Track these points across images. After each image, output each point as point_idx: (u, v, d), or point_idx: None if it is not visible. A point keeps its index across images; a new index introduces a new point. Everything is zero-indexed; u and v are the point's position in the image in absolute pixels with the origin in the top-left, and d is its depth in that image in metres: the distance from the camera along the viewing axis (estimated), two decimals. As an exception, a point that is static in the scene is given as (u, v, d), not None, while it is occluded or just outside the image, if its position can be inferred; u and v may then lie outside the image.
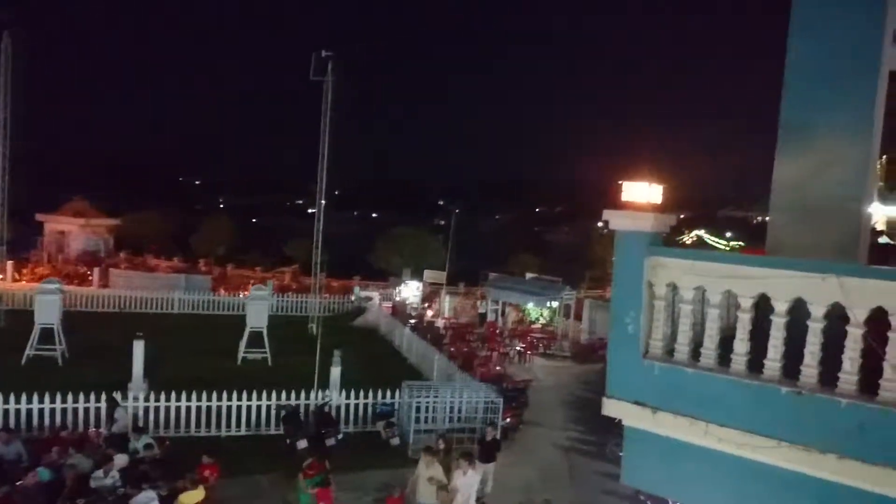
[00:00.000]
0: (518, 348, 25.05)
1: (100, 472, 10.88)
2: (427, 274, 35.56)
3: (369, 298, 31.88)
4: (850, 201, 5.65)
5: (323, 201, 27.99)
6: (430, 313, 30.58)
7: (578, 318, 28.09)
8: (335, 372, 16.23)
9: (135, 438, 12.56)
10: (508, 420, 15.96)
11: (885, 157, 18.61)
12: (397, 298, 32.75)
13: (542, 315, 29.39)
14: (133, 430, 13.30)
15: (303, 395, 15.52)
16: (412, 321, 27.43)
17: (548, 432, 16.86)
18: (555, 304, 28.17)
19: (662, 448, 5.17)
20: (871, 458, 4.15)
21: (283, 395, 15.42)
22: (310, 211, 46.72)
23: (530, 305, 29.12)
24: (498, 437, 13.91)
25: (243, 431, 15.19)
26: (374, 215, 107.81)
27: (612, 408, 5.39)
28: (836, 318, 4.42)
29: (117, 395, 14.52)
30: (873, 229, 7.67)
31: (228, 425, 15.16)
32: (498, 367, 21.70)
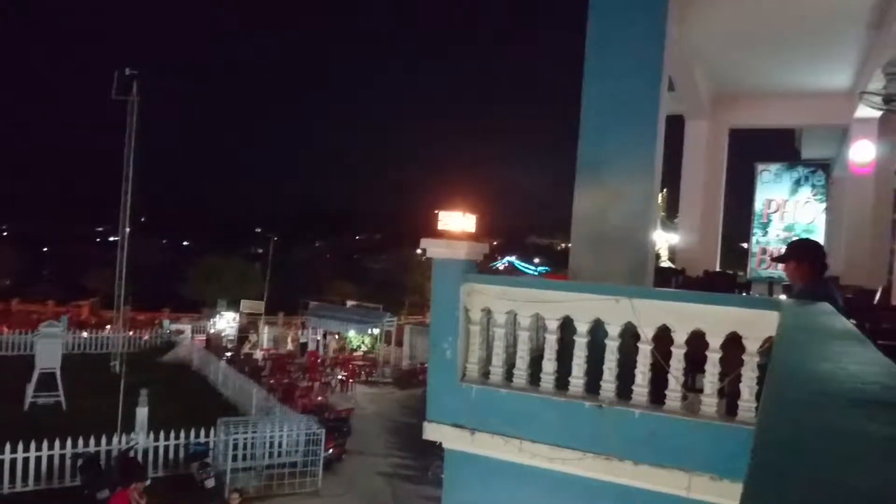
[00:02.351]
0: (340, 377, 24.79)
1: None
2: (244, 304, 34.22)
3: (180, 332, 30.01)
4: (638, 230, 6.30)
5: (127, 228, 26.03)
6: (247, 345, 29.39)
7: (399, 344, 28.41)
8: (141, 412, 15.04)
9: None
10: (331, 451, 15.69)
11: (665, 190, 20.90)
12: (211, 331, 31.14)
13: (363, 342, 29.38)
14: None
15: (104, 440, 14.17)
16: (228, 354, 26.19)
17: (371, 460, 16.79)
18: (376, 330, 28.31)
19: (481, 467, 5.37)
20: (662, 461, 4.61)
21: (81, 441, 13.98)
22: (112, 239, 43.21)
23: (351, 333, 29.01)
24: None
25: (32, 486, 13.54)
26: (185, 243, 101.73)
27: (432, 432, 5.50)
28: (630, 336, 4.88)
29: None
30: (657, 255, 8.55)
31: (13, 481, 13.43)
32: (320, 397, 21.32)
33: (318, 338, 28.93)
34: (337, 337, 29.20)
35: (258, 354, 27.15)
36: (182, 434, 14.95)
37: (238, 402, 19.96)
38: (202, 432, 15.06)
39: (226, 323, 31.85)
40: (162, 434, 14.79)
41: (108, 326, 29.55)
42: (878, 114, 10.66)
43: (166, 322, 31.36)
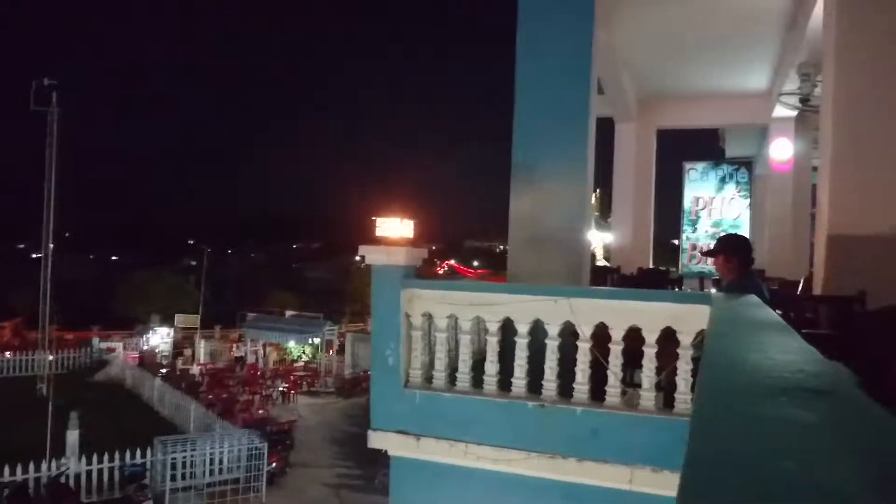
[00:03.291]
0: (281, 389, 24.37)
1: None
2: (178, 318, 33.28)
3: (112, 350, 28.93)
4: (573, 231, 6.42)
5: (51, 244, 24.95)
6: (181, 360, 28.57)
7: (341, 352, 28.12)
8: (72, 436, 14.43)
9: None
10: (274, 464, 15.40)
11: (598, 190, 21.31)
12: (145, 347, 30.15)
13: (304, 352, 28.96)
14: None
15: (32, 467, 13.50)
16: (163, 370, 25.40)
17: (316, 471, 16.56)
18: (317, 340, 27.95)
19: (427, 473, 5.36)
20: (605, 457, 4.69)
21: (7, 470, 13.29)
22: (35, 256, 41.31)
23: (291, 343, 28.56)
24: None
25: (-46, 521, 12.81)
26: (114, 258, 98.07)
27: (376, 440, 5.47)
28: (569, 334, 4.96)
29: None
30: (593, 254, 8.72)
31: (-67, 516, 12.69)
32: (261, 411, 20.92)
33: (258, 349, 28.36)
34: (277, 348, 28.69)
35: (195, 369, 26.44)
36: (116, 456, 14.39)
37: (175, 420, 19.37)
38: (138, 453, 14.54)
39: (160, 339, 30.89)
40: (95, 457, 14.20)
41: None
42: (794, 113, 11.18)
43: (96, 341, 30.14)
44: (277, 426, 18.59)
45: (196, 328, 30.94)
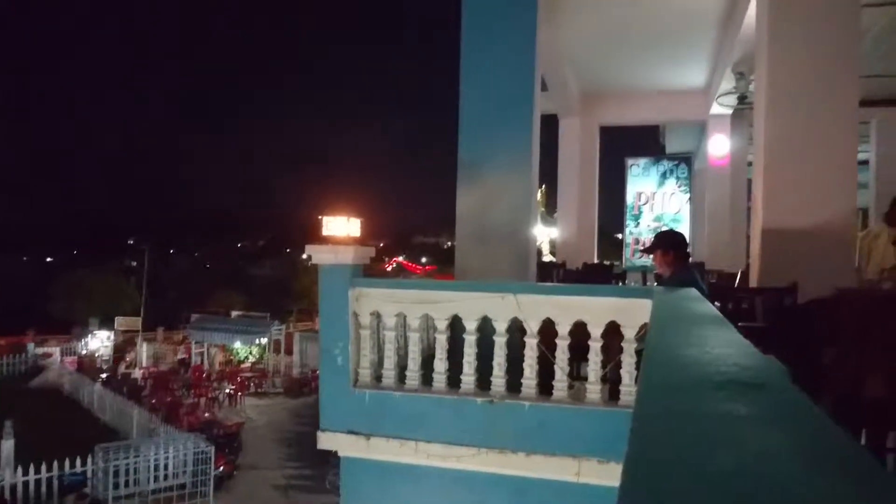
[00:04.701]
0: (228, 390, 23.93)
1: None
2: (119, 321, 32.31)
3: (48, 355, 27.91)
4: (519, 226, 6.48)
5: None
6: (123, 365, 27.76)
7: (289, 352, 27.78)
8: (7, 446, 13.90)
9: None
10: (222, 468, 15.13)
11: (543, 185, 21.54)
12: (83, 351, 29.18)
13: (251, 353, 28.50)
14: None
15: (-37, 480, 12.96)
16: (103, 375, 24.65)
17: (265, 473, 16.33)
18: (264, 340, 27.53)
19: (378, 472, 5.34)
20: (553, 450, 4.77)
21: (-64, 484, 12.73)
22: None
23: (238, 344, 28.07)
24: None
25: None
26: (49, 259, 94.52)
27: (326, 441, 5.42)
28: (516, 330, 5.02)
29: None
30: (539, 249, 8.82)
31: None
32: (207, 414, 20.52)
33: (203, 350, 27.78)
34: (222, 349, 28.15)
35: (137, 373, 25.74)
36: (55, 465, 13.91)
37: (118, 426, 18.84)
38: (78, 462, 14.08)
39: (99, 342, 29.97)
40: (32, 467, 13.68)
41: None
42: (730, 110, 11.53)
43: (31, 346, 29.00)
44: (224, 429, 18.28)
45: (138, 331, 30.11)
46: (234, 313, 32.17)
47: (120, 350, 29.78)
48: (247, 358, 28.35)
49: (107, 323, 32.30)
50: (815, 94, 5.70)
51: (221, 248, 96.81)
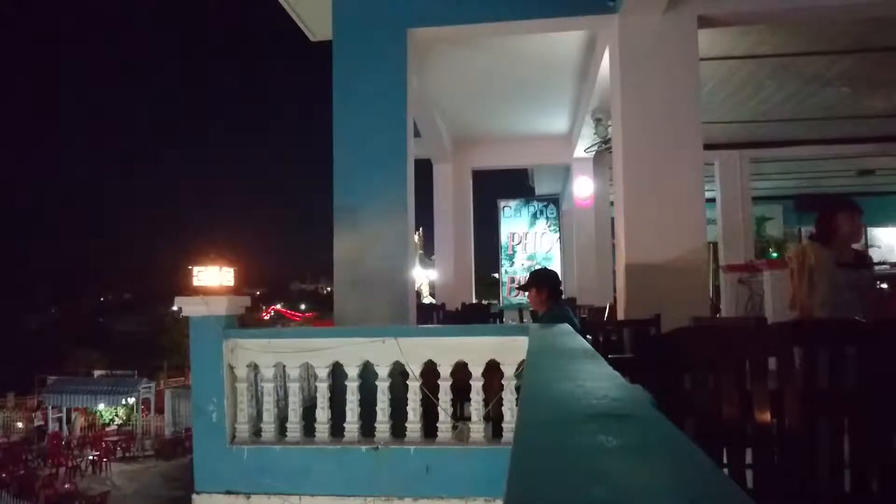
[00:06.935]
0: (91, 457, 22.08)
1: None
2: (-41, 390, 29.16)
3: None
4: (397, 270, 6.51)
5: None
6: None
7: (161, 411, 26.13)
8: None
9: None
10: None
11: (420, 229, 21.76)
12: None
13: (116, 415, 26.55)
14: None
15: None
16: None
17: (134, 546, 15.13)
18: (131, 400, 25.77)
19: (259, 532, 5.10)
20: (440, 493, 4.75)
21: None
22: None
23: (101, 406, 26.08)
24: None
25: None
26: None
27: (202, 503, 5.13)
28: (399, 374, 5.00)
29: None
30: (419, 291, 8.89)
31: None
32: (67, 485, 18.80)
33: (61, 416, 25.57)
34: (84, 413, 26.04)
35: (-18, 447, 23.24)
36: None
37: (-42, 508, 16.86)
38: None
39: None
40: None
41: None
42: (592, 154, 12.26)
43: None
44: (88, 500, 16.83)
45: (-18, 399, 27.31)
46: (97, 373, 29.97)
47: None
48: (112, 420, 26.39)
49: (-55, 392, 29.10)
50: (665, 139, 6.19)
51: (81, 303, 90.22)
